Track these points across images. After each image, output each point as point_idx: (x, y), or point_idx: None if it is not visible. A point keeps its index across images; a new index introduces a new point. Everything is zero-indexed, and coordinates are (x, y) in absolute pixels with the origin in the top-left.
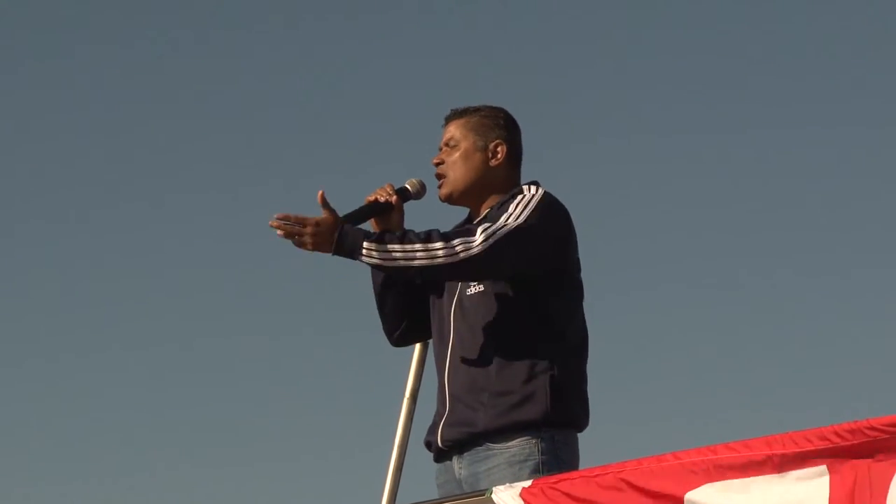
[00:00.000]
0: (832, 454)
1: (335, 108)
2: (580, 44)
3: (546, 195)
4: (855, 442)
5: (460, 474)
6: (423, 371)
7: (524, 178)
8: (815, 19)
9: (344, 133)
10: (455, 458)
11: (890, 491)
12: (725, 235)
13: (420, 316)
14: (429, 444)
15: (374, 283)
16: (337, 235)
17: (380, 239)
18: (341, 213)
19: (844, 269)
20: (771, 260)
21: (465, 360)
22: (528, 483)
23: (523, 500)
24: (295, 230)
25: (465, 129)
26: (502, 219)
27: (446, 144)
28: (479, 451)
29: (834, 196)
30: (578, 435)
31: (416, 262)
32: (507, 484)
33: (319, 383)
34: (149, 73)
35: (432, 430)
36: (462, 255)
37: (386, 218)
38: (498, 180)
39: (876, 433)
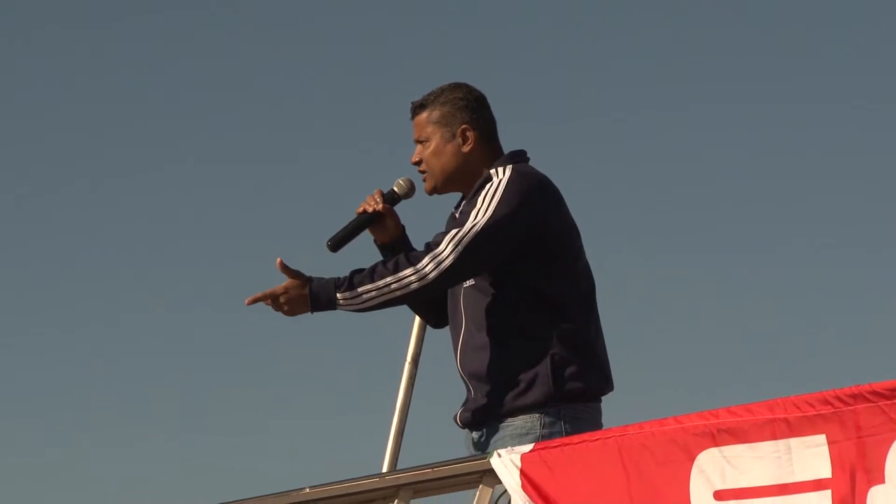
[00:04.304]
0: (832, 421)
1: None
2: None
3: (514, 174)
4: (857, 406)
5: (474, 445)
6: (424, 335)
7: (506, 142)
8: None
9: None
10: (475, 432)
11: (887, 462)
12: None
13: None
14: (454, 420)
15: None
16: (309, 296)
17: (350, 285)
18: (330, 233)
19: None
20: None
21: (472, 351)
22: (528, 448)
23: (523, 463)
24: (269, 304)
25: (430, 122)
26: (470, 218)
27: (418, 141)
28: (490, 428)
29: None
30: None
31: (393, 295)
32: (509, 448)
33: (321, 347)
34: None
35: (459, 409)
36: (433, 273)
37: (380, 225)
38: (476, 162)
39: (877, 397)
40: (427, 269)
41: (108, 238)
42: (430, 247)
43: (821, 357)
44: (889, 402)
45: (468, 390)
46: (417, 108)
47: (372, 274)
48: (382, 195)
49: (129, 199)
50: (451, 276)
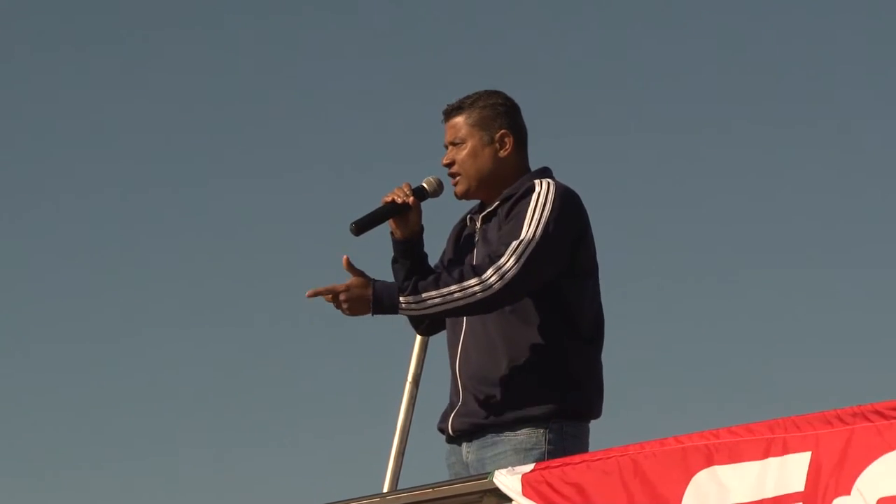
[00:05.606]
0: (823, 439)
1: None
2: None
3: (558, 190)
4: (854, 426)
5: (468, 458)
6: (425, 355)
7: (532, 158)
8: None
9: (349, 131)
10: (464, 444)
11: (860, 477)
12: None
13: None
14: (441, 431)
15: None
16: (372, 296)
17: (415, 290)
18: (355, 216)
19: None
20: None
21: (476, 351)
22: (529, 468)
23: (524, 484)
24: (330, 300)
25: (467, 125)
26: (524, 230)
27: (452, 143)
28: (487, 438)
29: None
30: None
31: (457, 304)
32: (510, 468)
33: (322, 367)
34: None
35: (444, 418)
36: (497, 284)
37: (403, 218)
38: (510, 169)
39: (877, 416)
40: (492, 279)
41: (107, 242)
42: (492, 258)
43: (835, 371)
44: (887, 421)
45: (460, 395)
46: (454, 110)
47: (437, 281)
48: (411, 189)
49: (128, 203)
50: (514, 287)
